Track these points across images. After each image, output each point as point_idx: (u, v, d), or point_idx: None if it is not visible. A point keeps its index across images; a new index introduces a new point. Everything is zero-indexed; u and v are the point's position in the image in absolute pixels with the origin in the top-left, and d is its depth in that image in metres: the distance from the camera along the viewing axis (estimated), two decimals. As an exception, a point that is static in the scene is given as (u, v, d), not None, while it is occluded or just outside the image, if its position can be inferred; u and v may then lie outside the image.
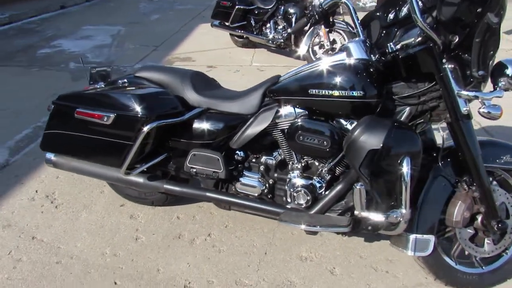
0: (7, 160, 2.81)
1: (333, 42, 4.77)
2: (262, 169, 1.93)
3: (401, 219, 1.56)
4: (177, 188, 1.98)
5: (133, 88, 1.94)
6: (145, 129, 1.75)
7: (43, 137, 1.97)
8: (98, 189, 2.47)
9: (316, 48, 4.96)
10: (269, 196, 1.95)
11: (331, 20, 1.94)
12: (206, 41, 6.37)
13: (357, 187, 1.55)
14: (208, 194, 1.95)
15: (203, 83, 2.06)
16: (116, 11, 9.10)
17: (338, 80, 1.63)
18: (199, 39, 6.56)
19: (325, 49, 4.77)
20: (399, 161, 1.51)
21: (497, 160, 1.70)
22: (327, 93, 1.65)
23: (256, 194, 1.91)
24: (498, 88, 1.54)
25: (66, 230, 2.14)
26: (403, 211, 1.54)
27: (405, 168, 1.50)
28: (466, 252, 1.77)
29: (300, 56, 5.19)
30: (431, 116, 1.70)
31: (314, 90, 1.68)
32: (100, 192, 2.44)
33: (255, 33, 5.65)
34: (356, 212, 1.61)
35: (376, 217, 1.58)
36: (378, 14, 1.88)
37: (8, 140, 3.07)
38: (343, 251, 2.03)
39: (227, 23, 5.79)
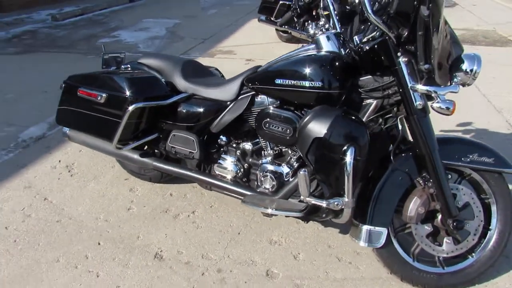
0: (44, 133, 3.20)
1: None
2: (238, 153, 2.05)
3: (343, 207, 1.60)
4: (164, 166, 2.17)
5: (129, 72, 2.15)
6: (130, 108, 1.96)
7: (57, 112, 2.25)
8: (110, 163, 2.74)
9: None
10: (244, 180, 2.06)
11: (314, 13, 2.00)
12: (253, 35, 6.54)
13: (301, 172, 1.62)
14: (189, 173, 2.11)
15: (194, 70, 2.22)
16: (178, 6, 9.57)
17: (301, 71, 1.70)
18: (247, 33, 6.75)
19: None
20: (343, 150, 1.55)
21: (463, 158, 1.67)
22: (290, 83, 1.73)
23: (230, 177, 2.04)
24: (453, 83, 1.52)
25: (73, 196, 2.43)
26: (346, 199, 1.59)
27: (348, 158, 1.54)
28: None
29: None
30: (398, 110, 1.71)
31: (280, 80, 1.76)
32: (111, 167, 2.72)
33: (297, 28, 5.70)
34: (301, 198, 1.68)
35: (319, 203, 1.63)
36: (359, 7, 1.91)
37: (50, 117, 3.47)
38: (313, 239, 2.09)
39: (272, 18, 5.91)
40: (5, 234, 2.11)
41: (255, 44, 6.08)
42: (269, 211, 1.79)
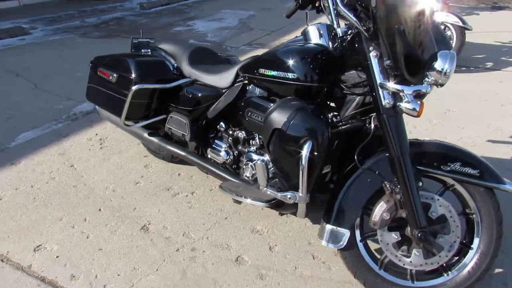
0: (93, 109, 3.55)
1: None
2: (230, 141, 2.10)
3: (295, 201, 1.57)
4: (166, 145, 2.30)
5: (141, 56, 2.31)
6: (133, 88, 2.11)
7: (86, 89, 2.50)
8: (137, 141, 2.96)
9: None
10: (233, 167, 2.10)
11: (317, 4, 1.95)
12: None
13: (258, 162, 1.61)
14: (185, 154, 2.21)
15: (202, 57, 2.30)
16: None
17: (284, 62, 1.67)
18: (315, 26, 6.65)
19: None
20: (300, 144, 1.52)
21: (442, 166, 1.53)
22: (273, 73, 1.72)
23: (220, 162, 2.10)
24: (425, 82, 1.40)
25: (94, 166, 2.68)
26: (300, 194, 1.56)
27: (304, 152, 1.51)
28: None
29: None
30: None
31: (263, 70, 1.77)
32: (137, 144, 2.93)
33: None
34: (260, 187, 1.67)
35: (273, 194, 1.62)
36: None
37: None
38: (296, 234, 2.06)
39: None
40: (29, 191, 2.42)
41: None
42: (238, 198, 1.82)
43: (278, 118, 1.57)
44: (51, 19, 7.40)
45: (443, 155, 1.55)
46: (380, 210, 1.57)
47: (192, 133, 2.12)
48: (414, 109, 1.41)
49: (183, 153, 2.21)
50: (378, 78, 1.46)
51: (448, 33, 4.36)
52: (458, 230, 1.57)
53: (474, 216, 1.59)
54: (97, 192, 2.40)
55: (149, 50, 2.43)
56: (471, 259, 1.59)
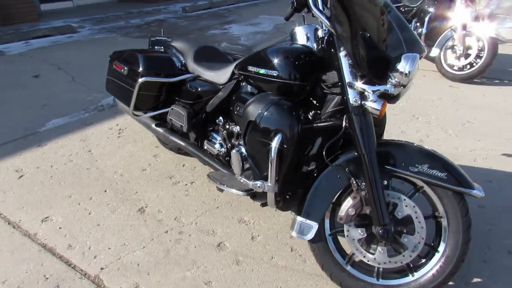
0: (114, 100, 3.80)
1: (468, 47, 4.31)
2: (225, 134, 2.22)
3: (264, 190, 1.66)
4: (169, 136, 2.46)
5: (151, 51, 2.50)
6: (140, 80, 2.29)
7: (106, 81, 2.73)
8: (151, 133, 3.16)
9: (449, 51, 4.52)
10: (226, 159, 2.23)
11: None
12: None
13: (233, 151, 1.72)
14: (184, 144, 2.36)
15: (207, 55, 2.45)
16: None
17: (269, 60, 1.77)
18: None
19: (457, 54, 4.35)
20: (270, 136, 1.62)
21: (410, 167, 1.56)
22: (259, 71, 1.83)
23: (214, 153, 2.23)
24: (389, 83, 1.46)
25: (109, 152, 2.90)
26: (268, 184, 1.65)
27: (274, 143, 1.60)
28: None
29: (432, 57, 4.77)
30: None
31: (252, 68, 1.88)
32: (152, 135, 3.13)
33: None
34: (235, 176, 1.77)
35: (245, 183, 1.72)
36: None
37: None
38: (280, 227, 2.15)
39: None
40: (48, 170, 2.67)
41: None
42: (221, 186, 1.93)
43: (253, 110, 1.68)
44: (99, 19, 7.90)
45: (412, 157, 1.58)
46: (346, 206, 1.63)
47: (190, 124, 2.27)
48: (376, 109, 1.47)
49: (183, 144, 2.36)
50: (347, 77, 1.53)
51: (480, 43, 4.25)
52: (423, 232, 1.60)
53: (442, 219, 1.61)
54: (107, 175, 2.61)
55: (163, 48, 2.61)
56: (436, 262, 1.61)
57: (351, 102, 1.53)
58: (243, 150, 1.88)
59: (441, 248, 1.61)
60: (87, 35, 6.68)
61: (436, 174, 1.53)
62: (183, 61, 2.46)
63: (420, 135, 3.14)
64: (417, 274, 1.64)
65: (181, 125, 2.31)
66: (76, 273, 1.84)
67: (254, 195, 1.85)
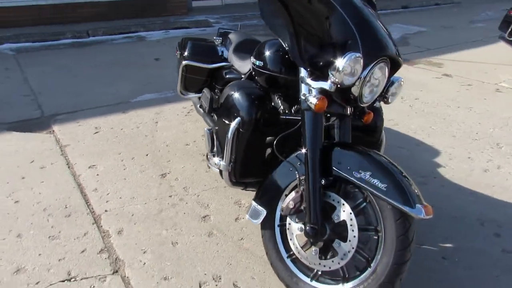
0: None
1: None
2: None
3: (220, 168, 1.79)
4: (203, 117, 2.73)
5: (203, 40, 2.80)
6: (183, 63, 2.61)
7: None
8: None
9: None
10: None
11: None
12: (488, 54, 5.74)
13: (205, 129, 1.86)
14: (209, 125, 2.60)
15: (246, 47, 2.61)
16: (452, 16, 9.17)
17: (261, 53, 1.89)
18: (481, 51, 5.98)
19: None
20: (230, 118, 1.74)
21: (354, 172, 1.51)
22: (254, 61, 1.95)
23: None
24: (329, 80, 1.46)
25: (170, 126, 3.33)
26: (222, 162, 1.77)
27: (232, 126, 1.72)
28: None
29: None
30: None
31: (253, 59, 2.01)
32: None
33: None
34: (206, 153, 1.92)
35: (210, 160, 1.86)
36: None
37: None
38: (267, 216, 2.22)
39: (504, 35, 5.12)
40: (117, 131, 3.22)
41: (476, 63, 5.37)
42: (207, 163, 2.10)
43: (225, 93, 1.82)
44: (237, 17, 8.65)
45: (360, 162, 1.52)
46: (289, 198, 1.64)
47: (210, 107, 2.49)
48: (311, 103, 1.47)
49: (209, 124, 2.60)
50: (302, 72, 1.56)
51: None
52: (354, 241, 1.52)
53: (380, 234, 1.50)
54: (155, 143, 3.02)
55: (221, 38, 2.89)
56: (366, 279, 1.51)
57: (300, 96, 1.55)
58: (214, 130, 2.02)
59: (373, 264, 1.50)
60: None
61: (375, 183, 1.45)
62: (227, 51, 2.69)
63: (489, 165, 2.76)
64: (346, 285, 1.57)
65: (205, 107, 2.55)
66: (87, 209, 2.26)
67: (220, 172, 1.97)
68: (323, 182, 1.55)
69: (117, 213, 2.23)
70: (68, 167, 2.69)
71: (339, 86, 1.45)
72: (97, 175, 2.60)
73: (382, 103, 1.82)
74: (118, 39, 6.58)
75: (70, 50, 5.83)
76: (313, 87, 1.49)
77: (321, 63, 1.48)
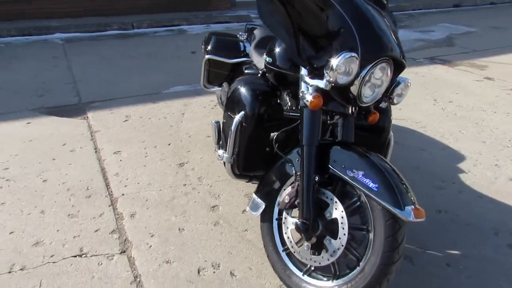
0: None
1: None
2: None
3: (223, 160, 1.85)
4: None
5: (227, 35, 2.86)
6: (206, 57, 2.69)
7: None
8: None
9: None
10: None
11: None
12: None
13: (212, 121, 1.92)
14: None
15: (267, 43, 2.65)
16: (506, 16, 8.76)
17: (274, 50, 1.90)
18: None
19: None
20: (234, 112, 1.79)
21: (348, 171, 1.52)
22: (265, 57, 1.99)
23: None
24: (324, 79, 1.48)
25: (195, 118, 3.44)
26: (225, 154, 1.83)
27: (236, 119, 1.78)
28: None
29: None
30: None
31: (264, 56, 2.05)
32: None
33: None
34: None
35: (216, 151, 1.92)
36: None
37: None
38: (275, 210, 2.26)
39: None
40: (145, 120, 3.37)
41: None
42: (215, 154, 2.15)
43: (232, 88, 1.87)
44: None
45: (355, 161, 1.53)
46: (285, 193, 1.67)
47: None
48: (307, 100, 1.49)
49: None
50: (302, 70, 1.58)
51: None
52: (344, 239, 1.53)
53: (370, 233, 1.50)
54: (179, 134, 3.14)
55: (246, 34, 2.94)
56: (354, 277, 1.52)
57: (299, 93, 1.58)
58: (221, 123, 2.08)
59: (362, 263, 1.51)
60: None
61: (367, 183, 1.45)
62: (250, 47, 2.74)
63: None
64: (336, 282, 1.58)
65: (223, 101, 2.62)
66: (106, 192, 2.40)
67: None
68: (316, 178, 1.57)
69: (132, 197, 2.35)
70: (95, 152, 2.86)
71: (333, 85, 1.46)
72: (120, 160, 2.74)
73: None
74: (160, 31, 6.81)
75: (114, 41, 6.11)
76: (310, 85, 1.51)
77: (318, 62, 1.50)
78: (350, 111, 1.64)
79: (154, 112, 3.53)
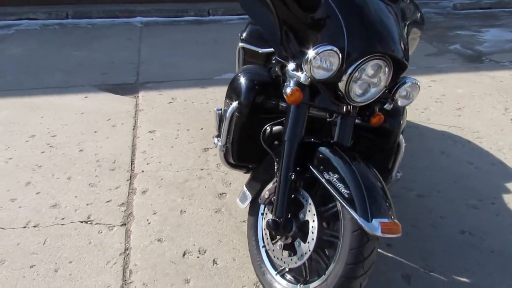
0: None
1: None
2: None
3: (216, 148, 1.84)
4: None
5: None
6: (239, 45, 2.69)
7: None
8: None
9: None
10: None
11: None
12: None
13: (215, 109, 1.91)
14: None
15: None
16: None
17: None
18: None
19: None
20: (231, 101, 1.77)
21: (324, 173, 1.44)
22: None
23: None
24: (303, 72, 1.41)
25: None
26: (219, 143, 1.82)
27: (230, 108, 1.76)
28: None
29: None
30: None
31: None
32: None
33: None
34: None
35: (214, 140, 1.91)
36: None
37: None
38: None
39: None
40: (189, 104, 3.48)
41: None
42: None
43: (234, 75, 1.85)
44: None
45: (332, 163, 1.43)
46: (267, 188, 1.63)
47: None
48: (286, 93, 1.43)
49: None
50: (290, 63, 1.51)
51: None
52: (312, 244, 1.45)
53: (338, 240, 1.40)
54: (207, 120, 3.19)
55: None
56: (318, 285, 1.44)
57: (284, 86, 1.52)
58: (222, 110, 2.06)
59: (327, 272, 1.42)
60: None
61: (339, 188, 1.36)
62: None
63: None
64: (303, 287, 1.51)
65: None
66: (129, 167, 2.55)
67: None
68: (293, 177, 1.50)
69: (150, 175, 2.46)
70: (133, 129, 3.03)
71: (311, 79, 1.38)
72: (152, 139, 2.88)
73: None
74: (233, 19, 6.92)
75: (187, 27, 6.37)
76: (291, 78, 1.44)
77: (300, 55, 1.42)
78: (344, 110, 1.53)
79: (198, 97, 3.63)
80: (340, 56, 1.34)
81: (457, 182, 2.46)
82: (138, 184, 2.38)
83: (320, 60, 1.33)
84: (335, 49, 1.32)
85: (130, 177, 2.45)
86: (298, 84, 1.44)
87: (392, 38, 1.41)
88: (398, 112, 1.74)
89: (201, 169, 2.54)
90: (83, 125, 3.07)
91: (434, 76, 4.23)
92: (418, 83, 1.54)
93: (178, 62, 4.56)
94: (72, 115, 3.22)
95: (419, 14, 1.85)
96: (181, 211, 2.16)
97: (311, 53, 1.33)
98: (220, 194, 2.30)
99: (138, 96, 3.63)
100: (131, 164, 2.59)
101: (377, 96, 1.50)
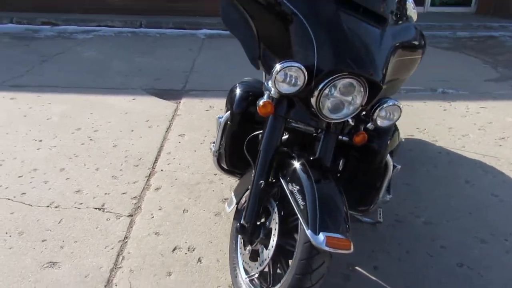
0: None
1: None
2: None
3: (211, 152, 1.95)
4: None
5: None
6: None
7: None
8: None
9: None
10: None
11: None
12: None
13: (217, 117, 2.02)
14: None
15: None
16: None
17: None
18: None
19: None
20: (226, 109, 1.88)
21: (289, 184, 1.49)
22: None
23: None
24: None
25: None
26: (214, 148, 1.94)
27: (224, 116, 1.87)
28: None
29: None
30: None
31: None
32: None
33: None
34: None
35: (211, 143, 2.03)
36: None
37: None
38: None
39: None
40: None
41: None
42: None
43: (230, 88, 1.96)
44: (430, 26, 7.98)
45: (297, 175, 1.48)
46: (245, 195, 1.71)
47: None
48: (258, 104, 1.51)
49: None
50: (267, 78, 1.60)
51: None
52: (271, 252, 1.50)
53: (294, 251, 1.44)
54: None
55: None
56: (276, 293, 1.48)
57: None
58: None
59: (282, 281, 1.45)
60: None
61: (297, 199, 1.41)
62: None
63: None
64: (262, 293, 1.56)
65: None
66: (151, 165, 2.76)
67: None
68: (262, 185, 1.56)
69: (167, 174, 2.65)
70: (166, 132, 3.26)
71: (277, 93, 1.45)
72: (179, 142, 3.08)
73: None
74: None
75: (247, 40, 6.62)
76: (266, 91, 1.52)
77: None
78: (324, 126, 1.57)
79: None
80: (306, 72, 1.39)
81: (472, 213, 2.32)
82: (154, 181, 2.57)
83: (283, 75, 1.40)
84: (297, 65, 1.38)
85: (149, 174, 2.65)
86: (271, 97, 1.51)
87: (366, 57, 1.43)
88: (387, 132, 1.73)
89: (215, 174, 2.66)
90: (123, 123, 3.36)
91: (486, 103, 3.98)
92: (399, 104, 1.53)
93: (226, 73, 4.78)
94: (117, 114, 3.54)
95: (419, 35, 1.82)
96: (184, 210, 2.30)
97: (276, 67, 1.40)
98: (225, 199, 2.41)
99: (180, 102, 3.88)
100: (154, 162, 2.79)
101: (353, 114, 1.51)
